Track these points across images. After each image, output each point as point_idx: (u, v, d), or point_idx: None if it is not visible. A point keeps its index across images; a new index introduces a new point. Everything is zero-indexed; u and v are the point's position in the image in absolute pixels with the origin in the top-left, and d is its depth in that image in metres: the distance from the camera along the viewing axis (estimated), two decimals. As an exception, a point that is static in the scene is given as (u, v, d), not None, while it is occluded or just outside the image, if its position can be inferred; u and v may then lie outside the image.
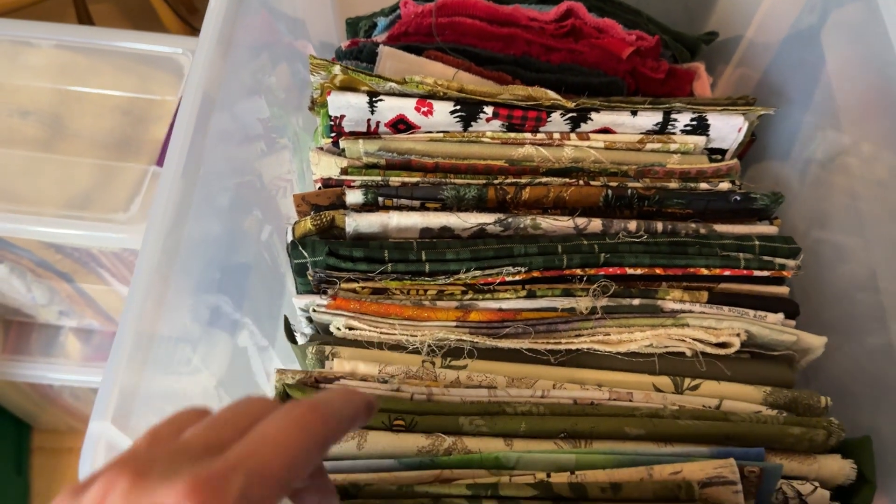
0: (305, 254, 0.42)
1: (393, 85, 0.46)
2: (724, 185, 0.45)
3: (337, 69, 0.46)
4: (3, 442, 1.01)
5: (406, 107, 0.47)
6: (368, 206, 0.45)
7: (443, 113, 0.47)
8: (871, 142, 0.44)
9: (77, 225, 0.66)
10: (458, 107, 0.47)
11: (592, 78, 0.52)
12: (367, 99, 0.47)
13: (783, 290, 0.42)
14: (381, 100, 0.47)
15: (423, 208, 0.45)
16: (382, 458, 0.35)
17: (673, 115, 0.46)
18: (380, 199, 0.45)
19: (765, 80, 0.55)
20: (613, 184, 0.45)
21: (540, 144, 0.47)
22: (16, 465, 1.01)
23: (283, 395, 0.37)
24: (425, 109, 0.47)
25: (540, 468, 0.34)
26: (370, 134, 0.49)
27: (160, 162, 0.70)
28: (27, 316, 0.86)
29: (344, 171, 0.47)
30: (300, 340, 0.44)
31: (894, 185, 0.41)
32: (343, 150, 0.48)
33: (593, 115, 0.47)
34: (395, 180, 0.46)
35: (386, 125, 0.48)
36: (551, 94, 0.46)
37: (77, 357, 0.87)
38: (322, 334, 0.43)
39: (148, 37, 0.77)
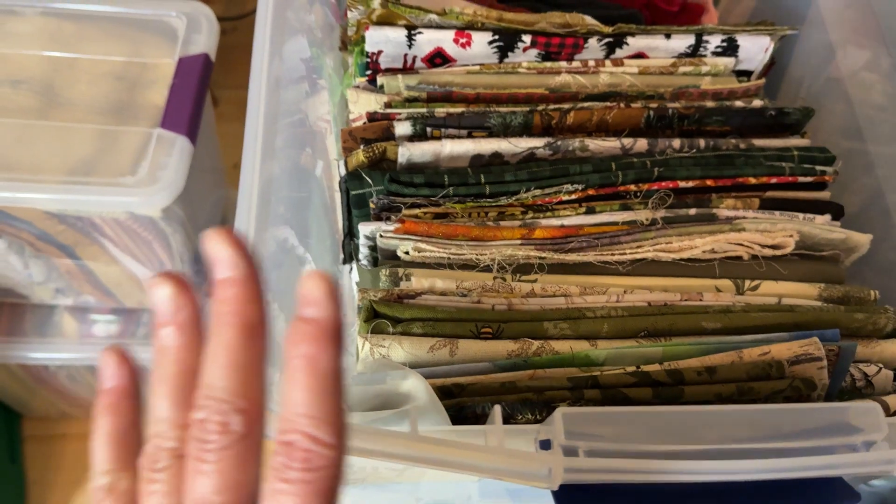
0: (367, 183, 0.41)
1: (433, 17, 0.46)
2: (758, 103, 0.47)
3: (376, 3, 0.46)
4: (-7, 432, 0.97)
5: (445, 39, 0.47)
6: (417, 137, 0.45)
7: (481, 44, 0.47)
8: (891, 57, 0.45)
9: (86, 190, 0.64)
10: (497, 37, 0.47)
11: (612, 11, 0.53)
12: (405, 33, 0.47)
13: (825, 194, 0.44)
14: (419, 33, 0.47)
15: (470, 137, 0.45)
16: (476, 363, 0.35)
17: (704, 38, 0.48)
18: (428, 129, 0.45)
19: (769, 11, 0.57)
20: (654, 105, 0.46)
21: (576, 72, 0.48)
22: (9, 453, 0.98)
23: (370, 311, 0.37)
24: (464, 41, 0.47)
25: (629, 362, 0.35)
26: (407, 69, 0.49)
27: (165, 124, 0.68)
28: (20, 297, 0.83)
29: (388, 106, 0.46)
30: (354, 270, 0.44)
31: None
32: (381, 86, 0.48)
33: (629, 39, 0.47)
34: (440, 111, 0.45)
35: (423, 59, 0.48)
36: (588, 19, 0.47)
37: (73, 336, 0.84)
38: (384, 260, 0.42)
39: (138, 0, 0.75)
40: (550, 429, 0.29)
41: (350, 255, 0.46)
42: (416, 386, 0.32)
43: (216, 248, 0.22)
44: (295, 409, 0.21)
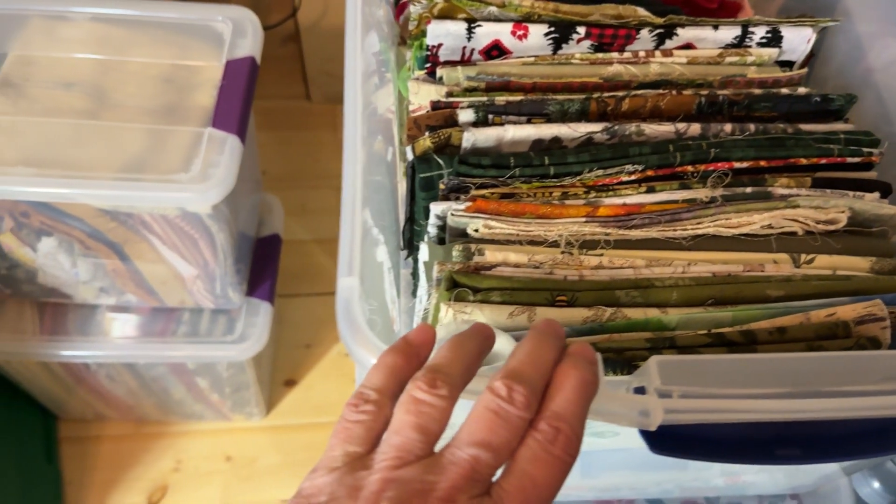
0: (437, 165, 0.43)
1: (492, 9, 0.48)
2: (803, 90, 0.48)
3: (439, -3, 0.48)
4: (31, 431, 0.98)
5: (502, 31, 0.49)
6: (479, 124, 0.47)
7: (537, 36, 0.49)
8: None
9: (142, 186, 0.66)
10: (552, 28, 0.49)
11: (655, 6, 0.55)
12: (465, 26, 0.48)
13: (872, 174, 0.46)
14: (478, 26, 0.48)
15: (529, 123, 0.47)
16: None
17: (750, 29, 0.50)
18: (489, 116, 0.47)
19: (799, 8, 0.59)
20: (704, 92, 0.48)
21: (627, 63, 0.50)
22: (45, 453, 0.99)
23: (451, 281, 0.38)
24: (521, 32, 0.49)
25: (700, 327, 0.37)
26: (464, 62, 0.51)
27: (215, 124, 0.70)
28: (65, 296, 0.84)
29: (449, 95, 0.48)
30: (423, 248, 0.46)
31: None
32: (440, 77, 0.50)
33: (679, 30, 0.49)
34: (500, 99, 0.47)
35: (480, 52, 0.50)
36: (641, 11, 0.49)
37: (115, 335, 0.85)
38: (452, 238, 0.44)
39: (184, 6, 0.77)
40: (644, 377, 0.30)
41: (409, 241, 0.47)
42: (506, 345, 0.33)
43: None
44: (566, 404, 0.28)
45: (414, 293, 0.48)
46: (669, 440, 0.30)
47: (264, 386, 1.01)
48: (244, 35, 0.76)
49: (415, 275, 0.47)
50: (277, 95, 1.31)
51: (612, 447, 0.40)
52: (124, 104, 0.73)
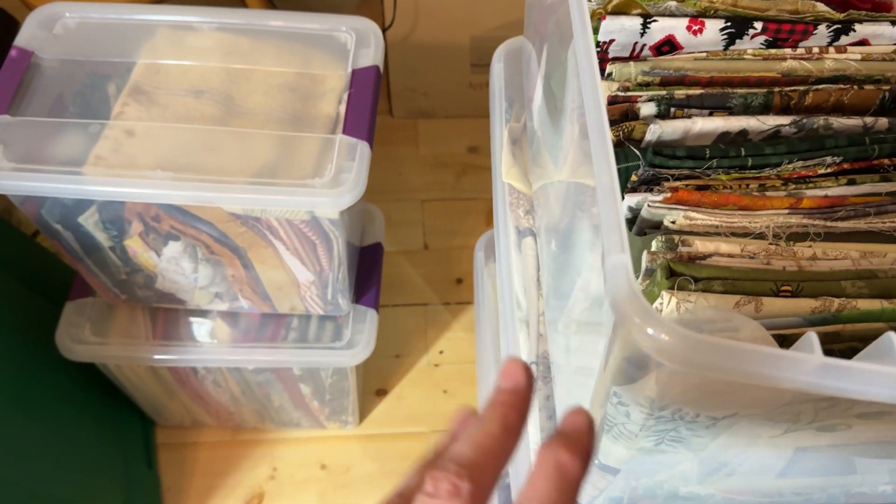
0: (633, 156, 0.42)
1: (670, 4, 0.47)
2: None
3: (615, -8, 0.46)
4: (132, 437, 0.97)
5: (678, 26, 0.47)
6: (660, 117, 0.45)
7: (712, 30, 0.47)
8: None
9: (279, 190, 0.65)
10: (729, 23, 0.47)
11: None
12: (640, 21, 0.47)
13: None
14: (654, 21, 0.47)
15: (712, 116, 0.45)
16: (783, 318, 0.35)
17: (929, 24, 0.48)
18: (671, 109, 0.45)
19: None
20: (886, 87, 0.46)
21: (801, 59, 0.48)
22: (146, 459, 0.98)
23: (668, 271, 0.36)
24: (697, 28, 0.47)
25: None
26: (633, 57, 0.49)
27: (346, 130, 0.69)
28: (178, 302, 0.83)
29: (625, 90, 0.47)
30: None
31: None
32: (609, 74, 0.48)
33: (856, 26, 0.47)
34: (680, 93, 0.46)
35: (651, 48, 0.49)
36: (819, 6, 0.47)
37: (226, 340, 0.85)
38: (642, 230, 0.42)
39: (308, 17, 0.77)
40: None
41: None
42: (755, 333, 0.31)
43: (512, 365, 0.28)
44: (536, 493, 0.24)
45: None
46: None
47: (358, 395, 1.00)
48: (367, 45, 0.75)
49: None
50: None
51: (833, 443, 0.38)
52: (252, 112, 0.72)
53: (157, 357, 0.82)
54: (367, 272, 0.90)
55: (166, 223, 0.71)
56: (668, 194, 0.40)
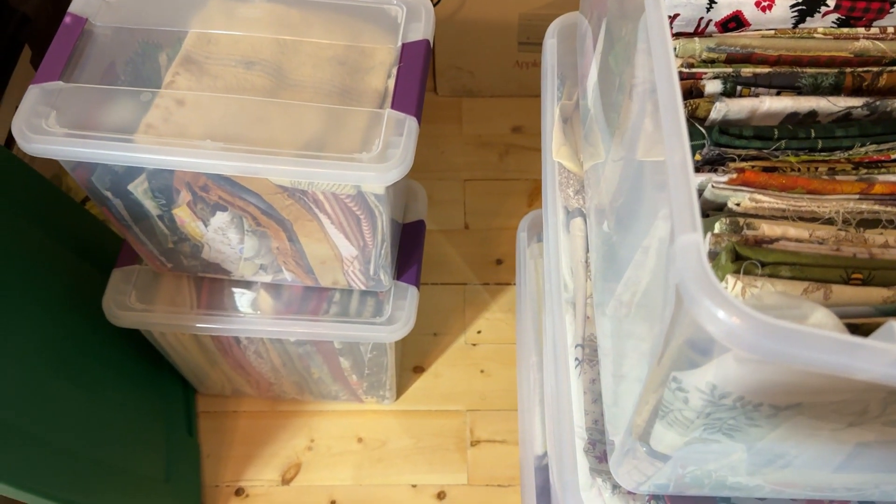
0: (698, 135, 0.40)
1: (740, -21, 0.45)
2: None
3: (684, -35, 0.44)
4: (174, 404, 0.98)
5: (746, 2, 0.45)
6: (726, 95, 0.43)
7: (782, 7, 0.45)
8: None
9: (326, 164, 0.64)
10: (800, 0, 0.45)
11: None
12: (708, -5, 0.45)
13: None
14: (722, -5, 0.45)
15: (779, 96, 0.43)
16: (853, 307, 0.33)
17: None
18: (738, 88, 0.43)
19: None
20: (966, 70, 0.43)
21: (874, 38, 0.46)
22: (187, 426, 0.99)
23: (733, 254, 0.35)
24: (766, 4, 0.45)
25: None
26: (698, 33, 0.47)
27: (395, 105, 0.68)
28: (223, 272, 0.84)
29: (689, 66, 0.45)
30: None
31: None
32: (673, 49, 0.46)
33: (937, 4, 0.45)
34: (747, 71, 0.44)
35: (716, 24, 0.47)
36: (899, -17, 0.44)
37: (269, 311, 0.85)
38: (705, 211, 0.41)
39: (359, -10, 0.75)
40: None
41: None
42: (824, 320, 0.30)
43: None
44: None
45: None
46: None
47: (396, 371, 0.99)
48: (418, 18, 0.74)
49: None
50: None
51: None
52: (302, 84, 0.72)
53: (200, 326, 0.83)
54: (408, 249, 0.89)
55: (214, 193, 0.71)
56: (734, 175, 0.39)
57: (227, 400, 1.03)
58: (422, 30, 0.73)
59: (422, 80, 0.70)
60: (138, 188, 0.72)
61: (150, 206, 0.74)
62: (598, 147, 0.57)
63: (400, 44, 0.72)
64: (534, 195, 1.20)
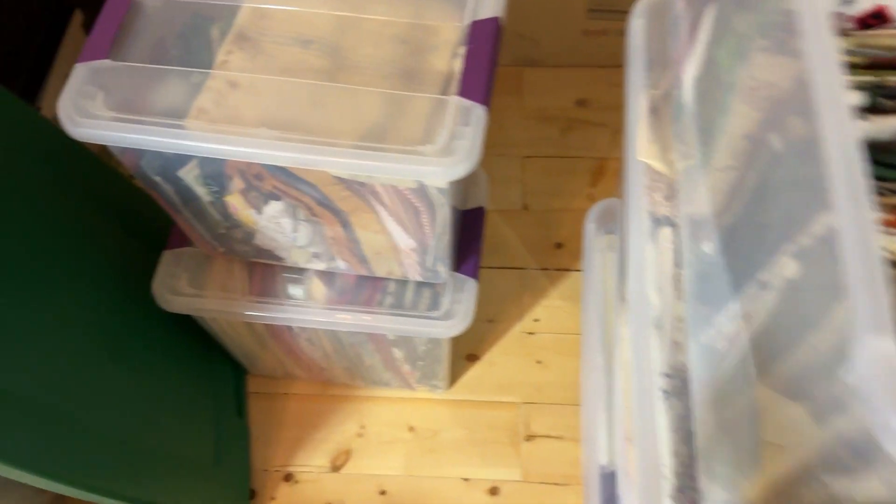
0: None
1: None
2: None
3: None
4: (224, 385, 0.96)
5: (894, -4, 0.38)
6: (869, 110, 0.37)
7: (939, 2, 0.38)
8: None
9: (386, 157, 0.59)
10: (962, -6, 0.38)
11: None
12: (846, -13, 0.38)
13: None
14: (864, -12, 0.38)
15: (932, 113, 0.36)
16: None
17: None
18: (882, 100, 0.36)
19: None
20: None
21: None
22: (236, 407, 0.97)
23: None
24: (919, -2, 0.38)
25: None
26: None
27: (463, 92, 0.62)
28: (276, 258, 0.80)
29: (821, 72, 0.38)
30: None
31: None
32: (799, 51, 0.40)
33: None
34: (893, 80, 0.37)
35: (853, 19, 0.39)
36: None
37: (322, 300, 0.81)
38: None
39: (424, -40, 0.69)
40: None
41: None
42: None
43: None
44: None
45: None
46: None
47: (449, 360, 0.95)
48: (488, -7, 0.67)
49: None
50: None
51: None
52: (361, 65, 0.66)
53: (253, 314, 0.79)
54: (468, 238, 0.84)
55: (269, 182, 0.67)
56: (888, 215, 0.32)
57: (278, 382, 1.01)
58: (492, 5, 0.66)
59: (491, 63, 0.64)
60: (189, 174, 0.68)
61: (202, 192, 0.70)
62: (695, 148, 0.50)
63: (468, 21, 0.66)
64: (597, 175, 1.14)
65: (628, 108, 0.57)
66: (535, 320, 1.03)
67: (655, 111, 0.57)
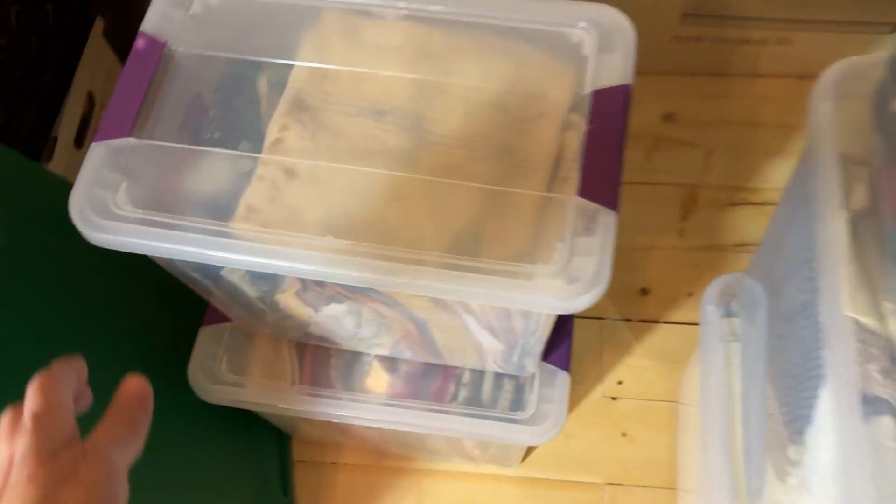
0: None
1: None
2: None
3: None
4: (268, 457, 0.85)
5: None
6: None
7: None
8: None
9: (485, 282, 0.46)
10: None
11: None
12: None
13: None
14: None
15: None
16: None
17: None
18: None
19: None
20: None
21: None
22: (282, 485, 0.86)
23: None
24: None
25: None
26: None
27: (583, 191, 0.48)
28: (331, 343, 0.68)
29: None
30: None
31: None
32: None
33: None
34: None
35: None
36: None
37: (384, 391, 0.69)
38: None
39: (530, 5, 0.54)
40: None
41: None
42: None
43: None
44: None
45: None
46: None
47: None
48: (612, 48, 0.53)
49: None
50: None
51: None
52: (448, 143, 0.52)
53: (304, 409, 0.68)
54: (559, 321, 0.70)
55: (332, 289, 0.54)
56: None
57: (326, 449, 0.90)
58: (620, 67, 0.52)
59: (620, 151, 0.50)
60: (233, 274, 0.55)
61: (249, 290, 0.57)
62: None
63: (588, 90, 0.51)
64: (689, 205, 0.99)
65: (818, 237, 0.43)
66: (619, 383, 0.90)
67: (855, 238, 0.43)
